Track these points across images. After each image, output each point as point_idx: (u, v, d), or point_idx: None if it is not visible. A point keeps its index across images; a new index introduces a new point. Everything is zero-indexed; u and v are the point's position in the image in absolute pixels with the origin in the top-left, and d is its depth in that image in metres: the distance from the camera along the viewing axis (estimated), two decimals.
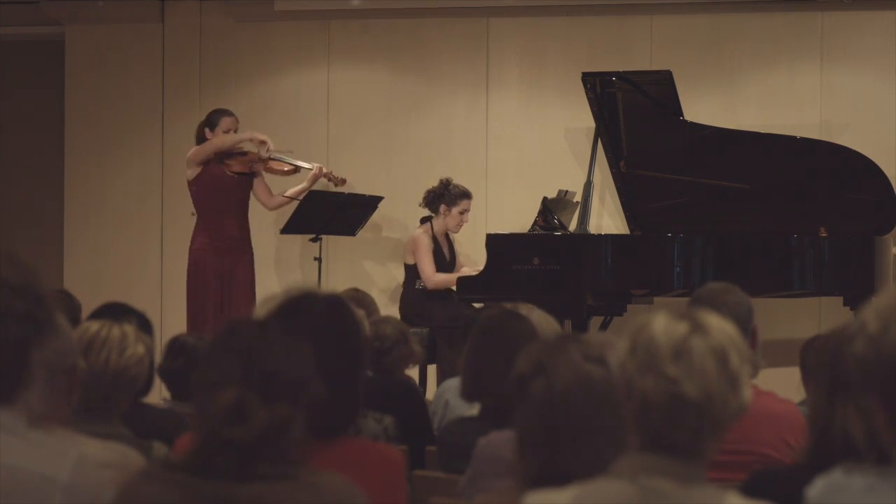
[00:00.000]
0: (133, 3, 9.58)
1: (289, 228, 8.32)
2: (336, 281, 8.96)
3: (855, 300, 7.24)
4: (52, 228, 9.89)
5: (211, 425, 2.12)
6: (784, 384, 5.03)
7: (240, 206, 8.12)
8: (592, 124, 8.12)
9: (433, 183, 8.60)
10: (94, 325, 3.34)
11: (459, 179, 8.45)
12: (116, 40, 9.66)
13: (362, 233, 8.71)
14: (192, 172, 8.08)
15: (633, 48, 8.96)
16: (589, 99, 8.01)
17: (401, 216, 9.17)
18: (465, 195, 8.27)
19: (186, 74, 9.60)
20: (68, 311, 4.54)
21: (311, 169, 8.29)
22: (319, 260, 8.39)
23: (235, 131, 8.11)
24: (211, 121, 8.15)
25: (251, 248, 8.17)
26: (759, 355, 3.89)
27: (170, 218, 9.54)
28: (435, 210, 8.30)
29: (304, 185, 8.29)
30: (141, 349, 3.35)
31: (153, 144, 9.61)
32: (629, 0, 8.99)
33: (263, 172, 8.24)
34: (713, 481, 2.15)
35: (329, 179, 8.36)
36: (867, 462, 2.30)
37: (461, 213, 8.27)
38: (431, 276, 8.14)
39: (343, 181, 8.45)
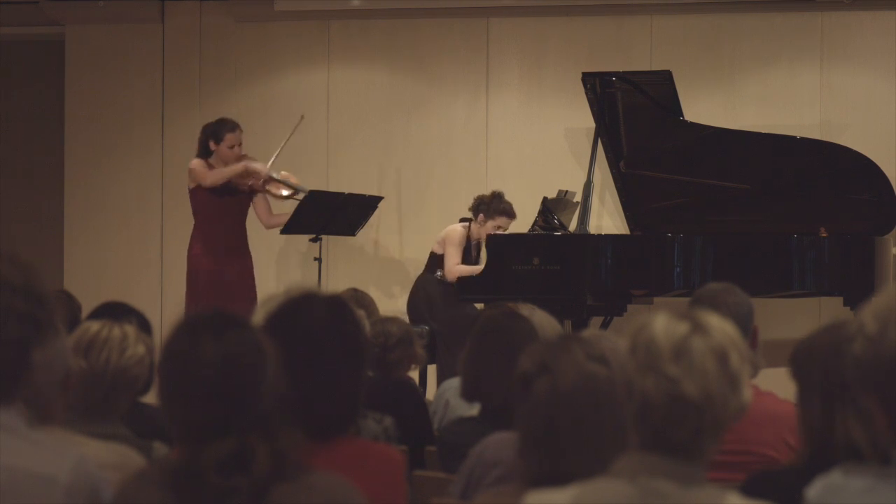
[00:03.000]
0: (133, 3, 9.58)
1: (289, 228, 8.31)
2: (336, 281, 8.97)
3: (855, 300, 7.23)
4: (52, 228, 9.89)
5: (206, 472, 2.12)
6: (784, 384, 5.01)
7: (239, 216, 8.11)
8: (592, 124, 8.12)
9: (433, 182, 8.61)
10: (95, 326, 3.33)
11: (459, 179, 8.47)
12: (116, 40, 9.66)
13: (362, 233, 8.71)
14: (192, 184, 8.05)
15: (633, 48, 8.96)
16: (589, 99, 8.01)
17: (400, 216, 9.17)
18: (506, 213, 8.16)
19: (186, 74, 9.60)
20: (68, 311, 4.54)
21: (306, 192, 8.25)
22: (319, 260, 8.38)
23: (240, 144, 8.07)
24: (217, 133, 8.05)
25: (250, 254, 8.16)
26: (759, 355, 3.89)
27: (170, 218, 9.53)
28: (475, 216, 8.27)
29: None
30: (141, 349, 3.35)
31: (153, 144, 9.61)
32: (629, 0, 8.99)
33: (265, 190, 8.19)
34: (713, 481, 2.15)
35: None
36: (868, 463, 2.30)
37: (496, 228, 8.19)
38: (452, 268, 8.15)
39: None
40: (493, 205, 8.20)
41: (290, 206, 8.27)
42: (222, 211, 8.02)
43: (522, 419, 2.46)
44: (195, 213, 8.10)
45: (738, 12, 8.92)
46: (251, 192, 8.12)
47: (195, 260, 8.03)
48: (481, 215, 8.22)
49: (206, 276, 7.96)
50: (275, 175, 8.13)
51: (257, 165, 8.05)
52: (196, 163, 8.02)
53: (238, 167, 7.98)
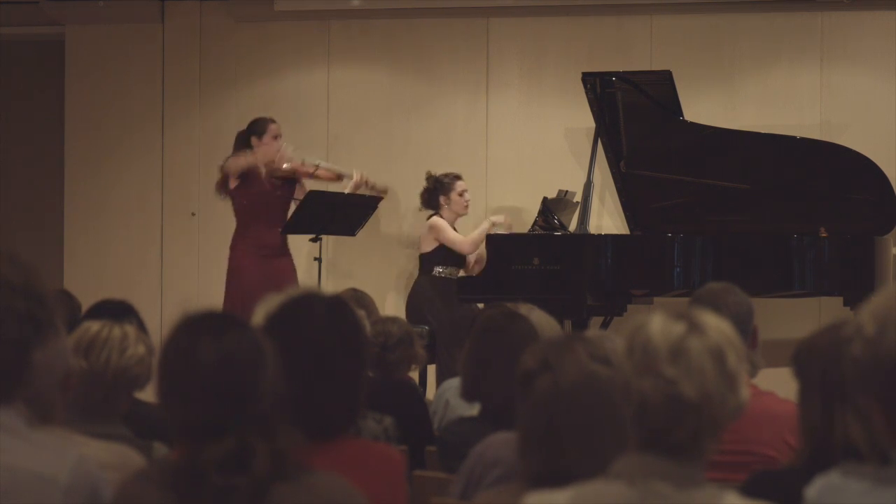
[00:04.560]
0: (133, 3, 9.58)
1: (289, 228, 8.31)
2: (336, 281, 8.97)
3: (855, 300, 7.23)
4: (52, 229, 9.89)
5: (206, 471, 2.12)
6: (784, 384, 5.01)
7: (280, 214, 8.17)
8: (592, 124, 8.12)
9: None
10: (95, 326, 3.34)
11: None
12: (116, 40, 9.66)
13: (362, 233, 8.71)
14: (234, 182, 8.10)
15: (633, 48, 8.96)
16: (589, 99, 8.01)
17: (401, 216, 9.16)
18: (456, 177, 8.39)
19: (186, 74, 9.60)
20: (68, 311, 4.54)
21: (352, 177, 8.36)
22: (319, 260, 8.38)
23: (281, 135, 8.20)
24: (256, 129, 8.16)
25: (290, 253, 8.23)
26: (759, 355, 3.89)
27: (170, 218, 9.53)
28: (436, 206, 8.35)
29: (346, 192, 8.35)
30: (142, 349, 3.35)
31: (153, 145, 9.61)
32: (629, 0, 8.99)
33: (305, 181, 8.29)
34: (713, 481, 2.15)
35: (371, 189, 8.43)
36: (867, 463, 2.30)
37: (460, 194, 8.34)
38: (465, 241, 8.22)
39: (385, 191, 8.53)
40: (440, 182, 8.34)
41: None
42: (265, 213, 8.07)
43: (523, 416, 2.46)
44: (237, 214, 8.19)
45: (737, 12, 8.92)
46: (293, 181, 8.16)
47: (239, 259, 8.08)
48: (442, 197, 8.32)
49: (250, 272, 7.98)
50: (321, 163, 8.26)
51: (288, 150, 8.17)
52: (233, 160, 8.10)
53: (272, 149, 8.08)
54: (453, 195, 8.35)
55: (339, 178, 8.43)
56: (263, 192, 8.11)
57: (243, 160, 8.04)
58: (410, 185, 9.03)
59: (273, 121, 8.23)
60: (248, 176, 8.10)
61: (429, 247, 8.34)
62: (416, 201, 8.55)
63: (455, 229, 8.42)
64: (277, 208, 8.16)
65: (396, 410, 3.76)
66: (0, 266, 2.20)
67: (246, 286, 7.93)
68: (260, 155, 8.04)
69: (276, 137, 8.16)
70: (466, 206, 8.40)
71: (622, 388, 2.13)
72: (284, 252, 8.21)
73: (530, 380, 2.46)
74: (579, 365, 2.45)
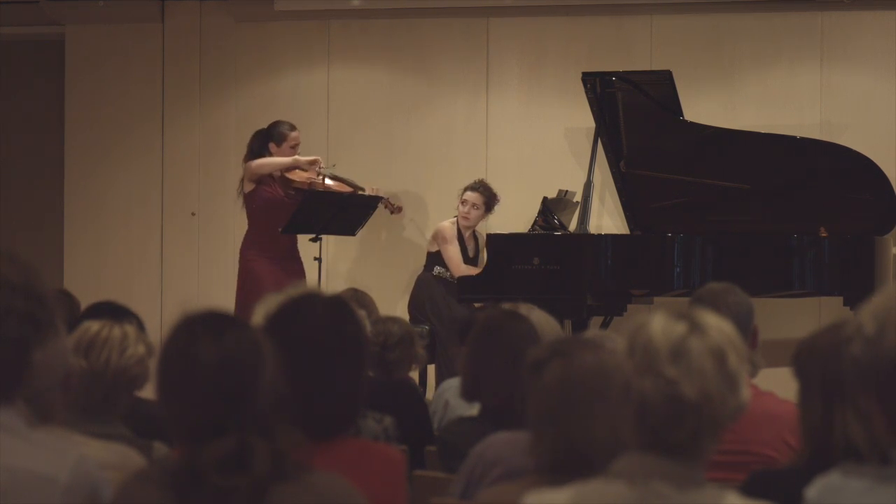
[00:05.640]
0: (133, 3, 9.58)
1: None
2: (336, 281, 8.97)
3: (855, 300, 7.23)
4: (52, 228, 9.89)
5: (206, 471, 2.12)
6: (784, 384, 5.01)
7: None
8: (592, 124, 8.12)
9: (433, 182, 8.65)
10: (95, 326, 3.34)
11: (459, 180, 8.47)
12: (116, 40, 9.66)
13: (362, 232, 8.71)
14: (248, 187, 8.16)
15: (633, 48, 8.96)
16: (589, 99, 8.01)
17: (401, 215, 9.16)
18: (469, 188, 8.34)
19: (186, 74, 9.60)
20: (68, 311, 4.54)
21: (364, 191, 8.39)
22: (319, 260, 8.38)
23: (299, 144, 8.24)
24: (275, 135, 8.21)
25: (300, 258, 8.27)
26: (759, 355, 3.89)
27: (170, 218, 9.53)
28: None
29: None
30: (141, 349, 3.35)
31: (153, 144, 9.61)
32: (629, 0, 8.99)
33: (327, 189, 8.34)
34: (713, 481, 2.15)
35: (385, 206, 8.44)
36: (868, 463, 2.30)
37: (461, 203, 8.33)
38: (458, 266, 8.21)
39: (399, 209, 8.58)
40: (468, 185, 8.31)
41: None
42: (276, 219, 8.09)
43: (533, 404, 2.47)
44: (250, 218, 8.25)
45: (738, 12, 8.92)
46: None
47: (252, 263, 8.13)
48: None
49: (264, 275, 8.00)
50: (335, 173, 8.30)
51: (307, 158, 8.20)
52: (255, 162, 8.15)
53: (287, 159, 8.13)
54: (459, 204, 8.36)
55: (353, 192, 8.42)
56: (277, 199, 8.14)
57: (263, 167, 8.08)
58: (410, 185, 9.03)
59: (294, 128, 8.27)
60: (263, 181, 8.15)
61: (434, 248, 8.39)
62: (416, 201, 8.57)
63: (475, 237, 8.42)
64: (288, 216, 8.17)
65: (396, 410, 3.76)
66: (0, 266, 2.20)
67: (263, 288, 7.97)
68: (275, 162, 8.11)
69: (294, 147, 8.20)
70: (465, 218, 8.35)
71: (623, 386, 2.13)
72: (293, 256, 8.25)
73: (540, 368, 2.47)
74: (590, 352, 2.47)
